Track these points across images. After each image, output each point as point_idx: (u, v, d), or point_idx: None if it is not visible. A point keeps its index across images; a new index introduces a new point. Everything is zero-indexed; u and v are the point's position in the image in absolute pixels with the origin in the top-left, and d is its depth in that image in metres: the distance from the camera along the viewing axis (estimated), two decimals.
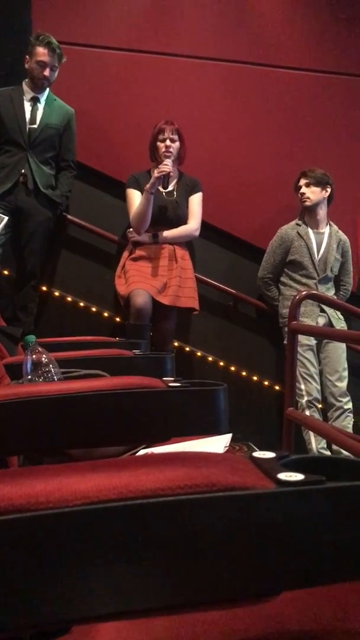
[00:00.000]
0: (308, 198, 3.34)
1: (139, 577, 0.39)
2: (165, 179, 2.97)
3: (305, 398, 3.18)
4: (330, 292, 3.42)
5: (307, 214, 3.40)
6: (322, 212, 3.40)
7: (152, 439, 0.97)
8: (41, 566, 0.38)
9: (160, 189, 3.06)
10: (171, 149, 3.08)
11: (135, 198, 3.09)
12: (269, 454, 0.46)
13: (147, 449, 1.07)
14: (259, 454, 0.46)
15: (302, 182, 3.38)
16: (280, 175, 3.62)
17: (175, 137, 3.10)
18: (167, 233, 3.10)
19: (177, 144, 3.11)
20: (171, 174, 3.01)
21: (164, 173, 2.95)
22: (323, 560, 0.41)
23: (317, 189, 3.34)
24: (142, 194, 3.04)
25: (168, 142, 3.08)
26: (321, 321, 3.32)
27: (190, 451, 0.49)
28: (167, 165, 2.96)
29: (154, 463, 0.44)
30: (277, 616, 0.52)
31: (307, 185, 3.36)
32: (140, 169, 3.19)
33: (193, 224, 3.16)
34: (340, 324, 3.36)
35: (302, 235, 3.38)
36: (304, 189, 3.37)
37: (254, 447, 2.96)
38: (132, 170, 3.20)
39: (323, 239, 3.41)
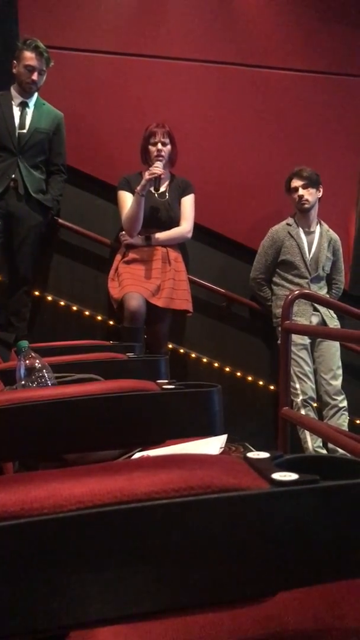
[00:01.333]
0: (307, 200, 3.32)
1: (135, 581, 0.39)
2: (156, 181, 2.97)
3: (301, 397, 3.18)
4: (322, 291, 3.43)
5: (300, 214, 3.40)
6: (314, 211, 3.41)
7: (147, 442, 0.96)
8: (37, 572, 0.38)
9: (152, 190, 3.06)
10: (163, 153, 3.08)
11: (126, 200, 3.09)
12: (264, 454, 0.46)
13: (142, 452, 1.07)
14: (253, 454, 0.46)
15: (298, 183, 3.34)
16: (271, 176, 3.63)
17: (167, 140, 3.10)
18: (160, 235, 3.10)
19: (169, 147, 3.11)
20: (162, 175, 3.01)
21: (155, 175, 2.95)
22: (319, 559, 0.41)
23: (313, 190, 3.34)
24: (133, 195, 3.04)
25: (160, 146, 3.08)
26: (314, 320, 3.33)
27: (184, 453, 0.49)
28: (158, 168, 2.96)
29: (149, 466, 0.44)
30: (274, 617, 0.52)
31: (305, 187, 3.32)
32: (131, 172, 3.19)
33: (186, 226, 3.16)
34: (333, 322, 3.37)
35: (293, 235, 3.38)
36: (302, 191, 3.32)
37: (250, 447, 2.96)
38: (123, 172, 3.20)
39: (314, 238, 3.42)
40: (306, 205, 3.34)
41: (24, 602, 0.38)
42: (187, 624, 0.51)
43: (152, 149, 3.09)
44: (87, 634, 0.54)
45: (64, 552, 0.39)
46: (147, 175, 2.97)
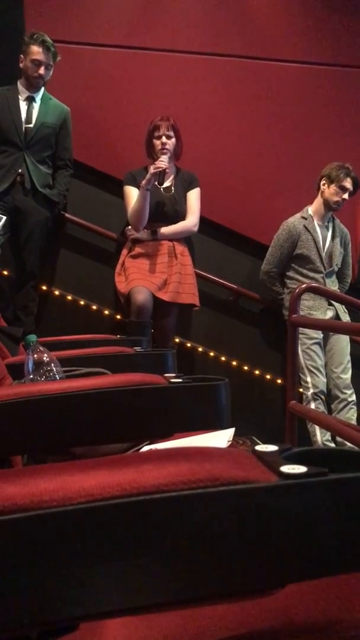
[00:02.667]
0: (340, 205, 3.30)
1: (144, 573, 0.39)
2: (161, 175, 2.96)
3: (311, 390, 3.18)
4: (335, 286, 3.42)
5: (322, 209, 3.36)
6: None
7: (155, 435, 0.97)
8: (46, 564, 0.39)
9: (158, 185, 3.05)
10: (167, 146, 3.07)
11: (132, 195, 3.09)
12: (272, 447, 0.46)
13: (150, 445, 1.07)
14: (261, 447, 0.46)
15: (349, 186, 3.25)
16: (278, 169, 3.61)
17: (171, 133, 3.09)
18: (166, 229, 3.10)
19: (173, 140, 3.10)
20: (167, 170, 3.00)
21: (160, 169, 2.94)
22: (327, 551, 0.41)
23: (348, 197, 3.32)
24: (139, 190, 3.03)
25: (164, 139, 3.07)
26: (329, 314, 3.32)
27: (192, 446, 0.49)
28: (163, 162, 2.95)
29: (157, 459, 0.44)
30: (283, 609, 0.52)
31: (350, 194, 3.28)
32: (137, 166, 3.19)
33: (192, 220, 3.16)
34: (345, 317, 3.36)
35: (309, 229, 3.35)
36: (347, 196, 3.27)
37: (257, 441, 2.96)
38: (129, 167, 3.20)
39: (328, 232, 3.40)
40: (338, 208, 3.32)
41: (35, 594, 0.39)
42: (195, 615, 0.51)
43: (157, 142, 3.09)
44: (96, 625, 0.54)
45: (73, 544, 0.39)
46: (152, 170, 2.96)
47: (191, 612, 0.52)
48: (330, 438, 3.15)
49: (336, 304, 3.30)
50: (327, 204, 3.32)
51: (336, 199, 3.28)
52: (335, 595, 0.53)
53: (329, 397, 3.33)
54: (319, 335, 3.25)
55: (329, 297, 3.21)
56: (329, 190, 3.30)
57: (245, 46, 3.64)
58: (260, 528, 0.40)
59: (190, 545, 0.40)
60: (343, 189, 3.27)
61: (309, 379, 3.17)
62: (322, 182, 3.32)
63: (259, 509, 0.40)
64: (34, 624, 0.41)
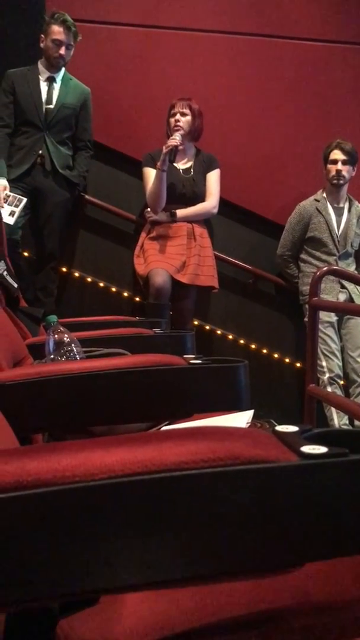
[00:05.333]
0: (343, 177, 3.25)
1: (164, 549, 0.40)
2: (173, 153, 2.93)
3: (327, 375, 3.17)
4: (351, 268, 3.38)
5: (330, 189, 3.34)
6: (345, 187, 3.34)
7: (174, 416, 0.97)
8: (68, 538, 0.39)
9: (177, 166, 3.03)
10: (180, 123, 3.04)
11: (151, 176, 3.07)
12: (292, 428, 0.46)
13: (169, 425, 1.08)
14: (282, 427, 0.46)
15: (339, 156, 3.24)
16: (300, 150, 3.56)
17: (186, 111, 3.06)
18: (185, 211, 3.08)
19: (188, 118, 3.07)
20: (180, 147, 2.97)
21: (171, 147, 2.91)
22: (346, 531, 0.41)
23: (350, 167, 3.27)
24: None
25: (178, 116, 3.05)
26: (342, 297, 3.29)
27: (213, 425, 0.50)
28: (175, 139, 2.93)
29: (178, 437, 0.44)
30: (301, 587, 0.53)
31: (345, 162, 3.24)
32: (157, 147, 3.17)
33: (211, 202, 3.14)
34: (359, 300, 3.32)
35: (321, 211, 3.33)
36: (340, 166, 3.24)
37: (276, 424, 2.96)
38: (149, 148, 3.18)
39: (343, 214, 3.36)
40: (341, 181, 3.27)
41: (56, 567, 0.40)
42: (214, 592, 0.52)
43: (172, 120, 3.07)
44: (116, 599, 0.55)
45: (94, 519, 0.40)
46: (164, 149, 2.94)
47: (210, 589, 0.52)
48: (347, 422, 3.14)
49: (350, 287, 3.27)
50: (331, 183, 3.30)
51: (332, 173, 3.26)
52: (353, 574, 0.54)
53: (346, 381, 3.31)
54: (332, 318, 3.22)
55: (350, 280, 3.18)
56: (325, 170, 3.31)
57: (267, 25, 3.58)
58: (280, 507, 0.41)
59: (210, 522, 0.40)
60: (334, 162, 3.26)
61: (324, 363, 3.15)
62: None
63: (278, 488, 0.41)
64: (56, 596, 0.42)
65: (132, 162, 3.36)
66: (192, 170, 3.13)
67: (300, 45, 3.62)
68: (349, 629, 0.50)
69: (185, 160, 3.14)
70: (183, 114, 3.06)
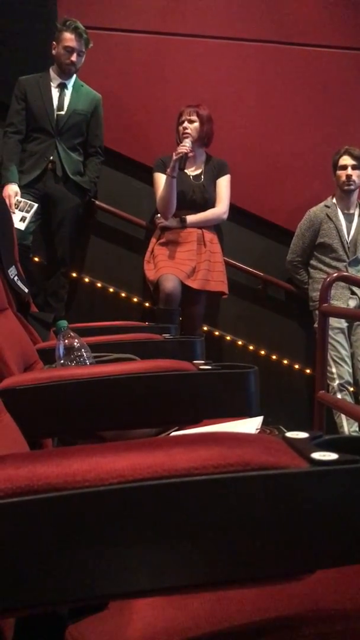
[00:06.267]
0: (354, 182, 3.25)
1: (173, 554, 0.40)
2: (183, 160, 2.93)
3: (337, 381, 3.15)
4: None
5: (341, 195, 3.33)
6: (356, 193, 3.34)
7: (183, 421, 0.97)
8: (78, 543, 0.39)
9: (188, 172, 3.04)
10: (188, 130, 3.05)
11: (162, 182, 3.08)
12: (303, 434, 0.46)
13: (178, 431, 1.08)
14: (292, 434, 0.46)
15: (348, 161, 3.25)
16: (311, 157, 3.56)
17: (194, 117, 3.07)
18: (195, 217, 3.09)
19: (196, 124, 3.07)
20: (190, 154, 2.97)
21: (181, 154, 2.92)
22: (357, 538, 0.41)
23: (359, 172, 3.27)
24: None
25: (185, 124, 3.06)
26: (352, 304, 3.28)
27: (223, 431, 0.50)
28: (185, 146, 2.93)
29: (188, 443, 0.44)
30: (310, 595, 0.52)
31: (355, 167, 3.24)
32: (168, 153, 3.18)
33: (221, 207, 3.14)
34: None
35: (331, 217, 3.32)
36: (350, 171, 3.24)
37: (285, 430, 2.95)
38: (160, 154, 3.19)
39: (353, 220, 3.36)
40: (352, 187, 3.27)
41: (66, 572, 0.40)
42: (223, 599, 0.52)
43: (180, 128, 3.08)
44: (125, 605, 0.55)
45: (104, 524, 0.39)
46: (174, 156, 2.95)
47: (219, 595, 0.52)
48: (358, 429, 3.12)
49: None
50: (342, 189, 3.30)
51: (342, 179, 3.27)
52: None
53: (356, 387, 3.30)
54: (342, 324, 3.21)
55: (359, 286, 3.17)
56: (335, 176, 3.31)
57: (279, 31, 3.58)
58: (290, 513, 0.40)
59: (220, 528, 0.40)
60: (344, 168, 3.26)
61: (334, 370, 3.14)
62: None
63: (289, 494, 0.40)
64: (65, 602, 0.42)
65: (142, 168, 3.38)
66: (202, 176, 3.14)
67: (310, 52, 3.62)
68: (359, 637, 0.49)
69: (195, 166, 3.15)
70: (191, 121, 3.07)
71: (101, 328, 1.77)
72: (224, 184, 3.16)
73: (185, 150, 2.92)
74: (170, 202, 3.01)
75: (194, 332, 3.12)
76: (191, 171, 3.12)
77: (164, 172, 3.09)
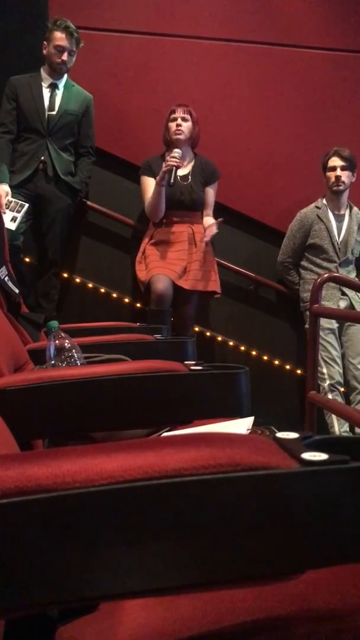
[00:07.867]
0: (343, 183, 3.26)
1: (163, 555, 0.40)
2: (171, 174, 2.88)
3: (328, 382, 3.16)
4: (351, 275, 3.38)
5: (331, 196, 3.34)
6: (346, 194, 3.35)
7: (174, 422, 0.97)
8: (68, 545, 0.39)
9: (169, 185, 2.95)
10: (181, 128, 3.05)
11: (149, 185, 3.08)
12: (293, 435, 0.46)
13: (169, 432, 1.08)
14: (282, 434, 0.46)
15: (337, 162, 3.26)
16: (302, 157, 3.57)
17: (187, 116, 3.07)
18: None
19: (189, 124, 3.08)
20: (180, 167, 2.96)
21: (170, 167, 2.89)
22: (347, 538, 0.41)
23: (349, 173, 3.28)
24: (155, 179, 3.02)
25: (179, 121, 3.06)
26: (342, 304, 3.29)
27: (214, 432, 0.50)
28: (175, 158, 2.89)
29: (178, 443, 0.44)
30: (301, 595, 0.52)
31: (343, 168, 3.25)
32: (158, 154, 3.18)
33: (211, 214, 3.15)
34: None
35: (322, 218, 3.33)
36: (339, 172, 3.26)
37: (276, 430, 2.95)
38: (151, 155, 3.19)
39: (344, 221, 3.37)
40: (341, 187, 3.28)
41: (57, 573, 0.39)
42: (214, 599, 0.52)
43: (172, 125, 3.08)
44: (116, 607, 0.55)
45: (94, 525, 0.39)
46: (164, 167, 2.94)
47: (210, 596, 0.52)
48: (348, 429, 3.13)
49: (350, 294, 3.27)
50: (331, 190, 3.31)
51: (332, 180, 3.28)
52: (354, 582, 0.54)
53: (347, 388, 3.31)
54: (332, 325, 3.22)
55: (350, 287, 3.18)
56: (325, 177, 3.33)
57: (269, 33, 3.59)
58: (280, 514, 0.40)
59: (210, 529, 0.40)
60: (333, 169, 3.28)
61: (324, 370, 3.15)
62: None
63: (279, 494, 0.40)
64: (55, 603, 0.42)
65: (134, 168, 3.37)
66: (189, 177, 3.13)
67: (302, 53, 3.63)
68: (350, 637, 0.49)
69: (183, 167, 3.14)
70: (184, 119, 3.07)
71: (92, 329, 1.76)
72: (213, 193, 3.18)
73: (174, 164, 2.88)
74: (159, 208, 3.03)
75: (186, 332, 3.12)
76: (179, 172, 3.11)
77: (150, 175, 3.09)
